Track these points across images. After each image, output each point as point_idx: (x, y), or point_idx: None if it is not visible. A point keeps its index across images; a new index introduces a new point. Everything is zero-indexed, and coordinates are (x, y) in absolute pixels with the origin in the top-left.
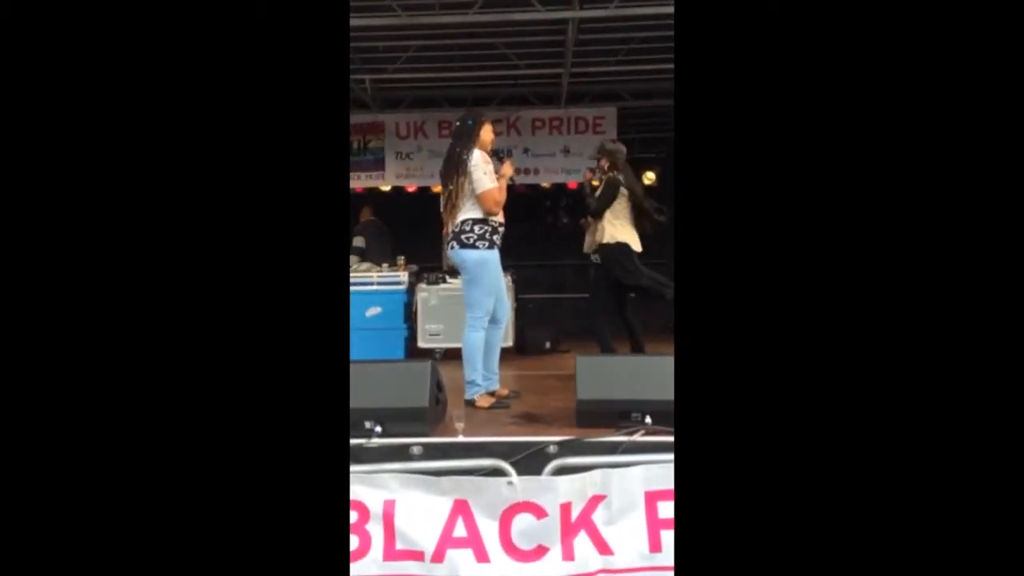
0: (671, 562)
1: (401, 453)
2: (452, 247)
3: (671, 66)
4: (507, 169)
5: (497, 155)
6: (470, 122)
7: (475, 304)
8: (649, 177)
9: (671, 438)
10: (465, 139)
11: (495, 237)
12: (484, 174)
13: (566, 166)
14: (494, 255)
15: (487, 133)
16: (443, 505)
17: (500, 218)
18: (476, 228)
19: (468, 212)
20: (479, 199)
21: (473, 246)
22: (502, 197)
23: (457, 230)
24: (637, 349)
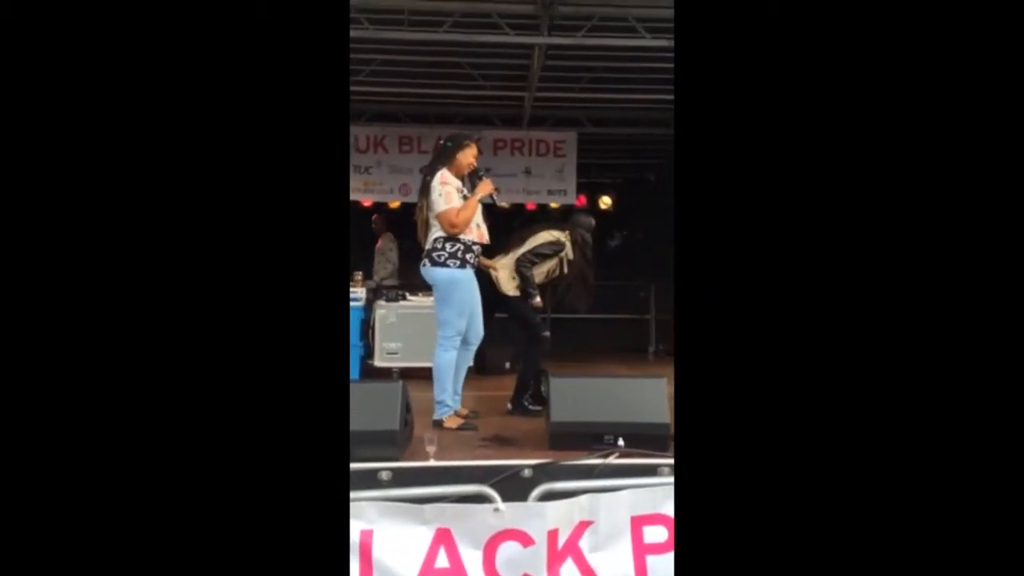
0: None
1: (369, 479)
2: (424, 264)
3: (630, 96)
4: (482, 188)
5: (476, 174)
6: (449, 144)
7: (445, 323)
8: (605, 202)
9: (649, 460)
10: (436, 161)
11: (468, 256)
12: (440, 195)
13: (527, 187)
14: (465, 274)
15: (464, 156)
16: (424, 535)
17: (474, 237)
18: (447, 246)
19: (439, 231)
20: (437, 219)
21: (444, 264)
22: (466, 216)
23: (429, 248)
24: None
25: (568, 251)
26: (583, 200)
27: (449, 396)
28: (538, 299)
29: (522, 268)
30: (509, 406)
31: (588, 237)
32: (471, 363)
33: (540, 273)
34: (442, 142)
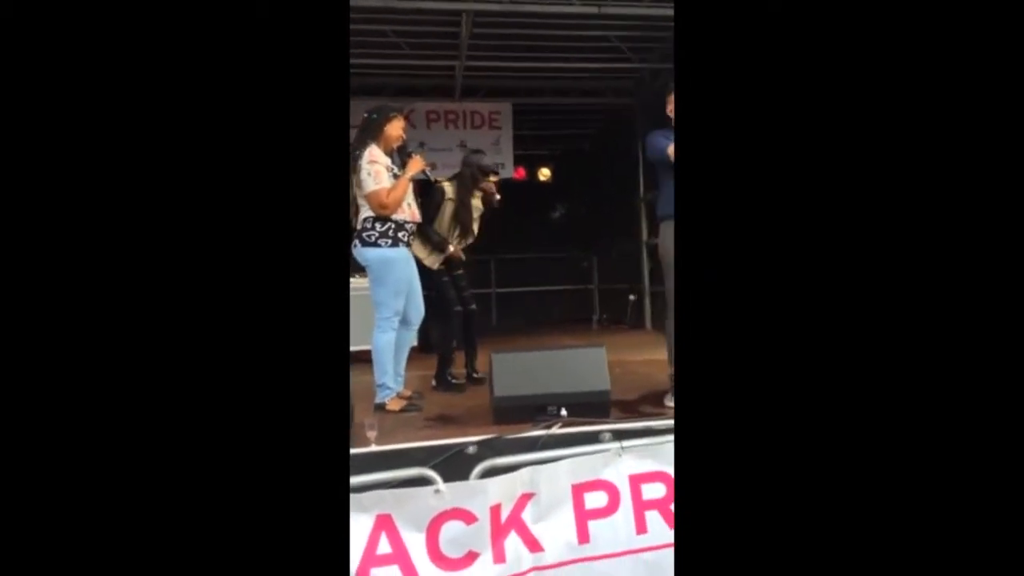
0: (598, 552)
1: None
2: (355, 246)
3: (563, 64)
4: (413, 166)
5: (405, 149)
6: (375, 116)
7: (382, 304)
8: (544, 174)
9: (591, 428)
10: (364, 135)
11: (400, 234)
12: (369, 175)
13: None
14: (399, 253)
15: (393, 129)
16: (364, 523)
17: (405, 216)
18: (378, 226)
19: (368, 210)
20: (366, 200)
21: (375, 244)
22: (397, 196)
23: (359, 228)
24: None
25: (448, 191)
26: (522, 172)
27: (391, 378)
28: (451, 247)
29: (421, 228)
30: (434, 383)
31: (475, 173)
32: (414, 343)
33: (446, 225)
34: (367, 115)
